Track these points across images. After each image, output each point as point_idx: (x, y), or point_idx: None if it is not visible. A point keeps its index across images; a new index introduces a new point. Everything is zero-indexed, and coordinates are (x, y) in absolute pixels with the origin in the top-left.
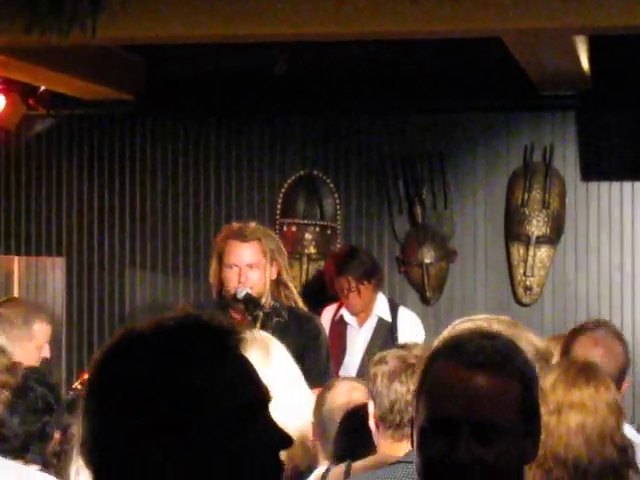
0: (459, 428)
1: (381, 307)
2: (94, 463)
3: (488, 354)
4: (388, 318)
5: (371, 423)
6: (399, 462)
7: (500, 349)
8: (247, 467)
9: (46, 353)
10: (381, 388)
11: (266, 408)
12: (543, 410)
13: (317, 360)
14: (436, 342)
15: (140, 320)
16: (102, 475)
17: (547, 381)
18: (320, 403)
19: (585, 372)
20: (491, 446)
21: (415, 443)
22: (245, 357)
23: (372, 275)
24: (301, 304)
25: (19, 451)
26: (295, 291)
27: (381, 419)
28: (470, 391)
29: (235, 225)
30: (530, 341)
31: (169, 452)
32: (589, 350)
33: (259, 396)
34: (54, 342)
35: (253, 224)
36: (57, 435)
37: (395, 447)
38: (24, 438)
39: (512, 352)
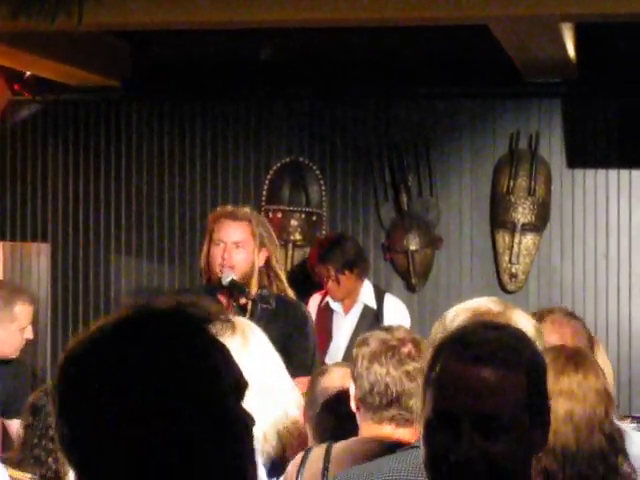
0: (462, 422)
1: (367, 294)
2: (75, 457)
3: (493, 347)
4: (374, 305)
5: (352, 405)
6: (413, 447)
7: (506, 341)
8: (226, 452)
9: (29, 335)
10: (361, 370)
11: (242, 395)
12: None
13: (303, 348)
14: (435, 327)
15: (124, 306)
16: (84, 470)
17: None
18: (313, 387)
19: (574, 359)
20: (495, 440)
21: (421, 435)
22: (221, 343)
23: (353, 265)
24: (291, 294)
25: None
26: (285, 281)
27: (361, 401)
28: (474, 385)
29: (228, 207)
30: (529, 320)
31: (152, 441)
32: (556, 333)
33: (236, 383)
34: (39, 328)
35: (246, 208)
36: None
37: (375, 428)
38: None
39: (519, 344)
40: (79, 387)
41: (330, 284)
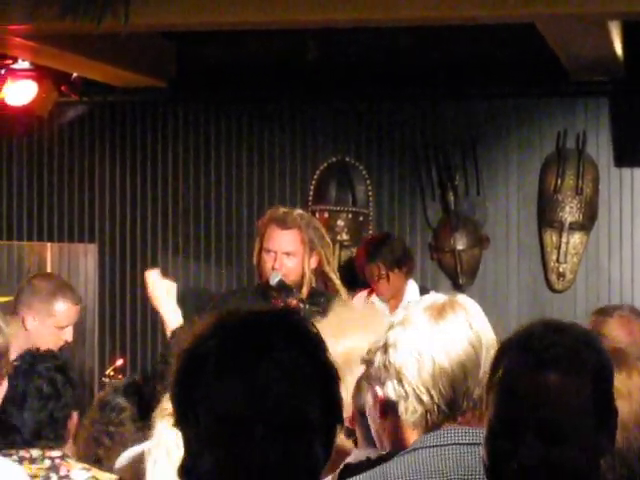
0: (525, 428)
1: (412, 294)
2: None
3: (558, 352)
4: None
5: (367, 411)
6: (410, 451)
7: (571, 345)
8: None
9: (69, 336)
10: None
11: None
12: None
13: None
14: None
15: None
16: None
17: None
18: (358, 391)
19: (615, 359)
20: (558, 446)
21: (484, 437)
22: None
23: (402, 263)
24: (344, 293)
25: (30, 441)
26: (338, 282)
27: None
28: (537, 391)
29: (280, 210)
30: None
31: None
32: (624, 329)
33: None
34: (86, 328)
35: (298, 211)
36: (75, 416)
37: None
38: (33, 427)
39: (585, 347)
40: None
41: (379, 282)
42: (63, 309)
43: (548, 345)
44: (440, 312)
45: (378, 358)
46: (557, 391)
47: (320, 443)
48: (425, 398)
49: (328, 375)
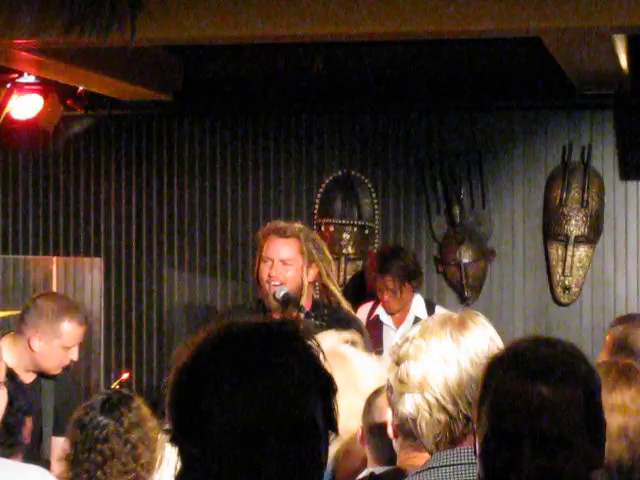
0: (522, 440)
1: (418, 307)
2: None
3: (550, 363)
4: (425, 317)
5: (390, 432)
6: (423, 470)
7: (561, 358)
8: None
9: (74, 356)
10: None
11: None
12: None
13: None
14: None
15: (177, 320)
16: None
17: None
18: (369, 409)
19: (625, 374)
20: (555, 458)
21: (477, 452)
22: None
23: (414, 277)
24: (346, 306)
25: None
26: (339, 294)
27: (399, 427)
28: (533, 403)
29: (280, 222)
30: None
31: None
32: None
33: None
34: (92, 342)
35: (298, 224)
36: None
37: (413, 457)
38: None
39: (574, 360)
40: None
41: (388, 296)
42: (70, 330)
43: (539, 357)
44: (462, 323)
45: (393, 374)
46: (552, 402)
47: (325, 450)
48: (450, 407)
49: (327, 383)
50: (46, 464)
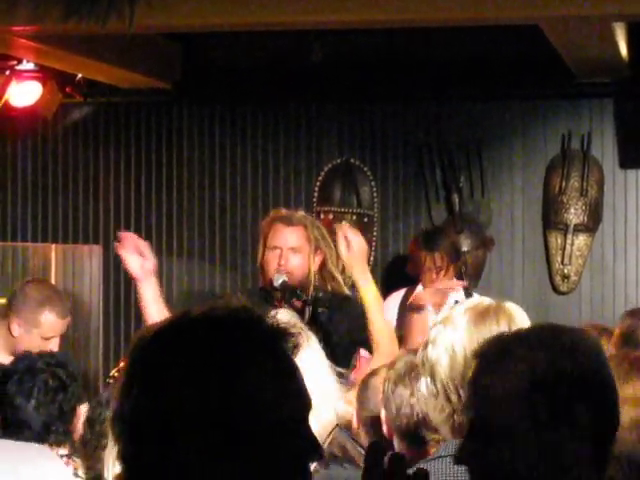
0: (472, 429)
1: (456, 292)
2: (126, 439)
3: (501, 356)
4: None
5: (384, 429)
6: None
7: (516, 351)
8: (277, 477)
9: (54, 347)
10: (388, 392)
11: (307, 419)
12: None
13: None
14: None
15: (176, 307)
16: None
17: None
18: (364, 389)
19: (638, 367)
20: (495, 445)
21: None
22: (296, 365)
23: (459, 258)
24: (348, 292)
25: (42, 436)
26: (341, 281)
27: (392, 423)
28: (479, 393)
29: (282, 210)
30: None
31: (199, 451)
32: None
33: (303, 408)
34: (91, 330)
35: (301, 212)
36: (81, 409)
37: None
38: (43, 421)
39: (529, 352)
40: (151, 373)
41: (437, 276)
42: (49, 321)
43: (495, 349)
44: (482, 314)
45: (419, 355)
46: (492, 390)
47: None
48: (453, 397)
49: (293, 367)
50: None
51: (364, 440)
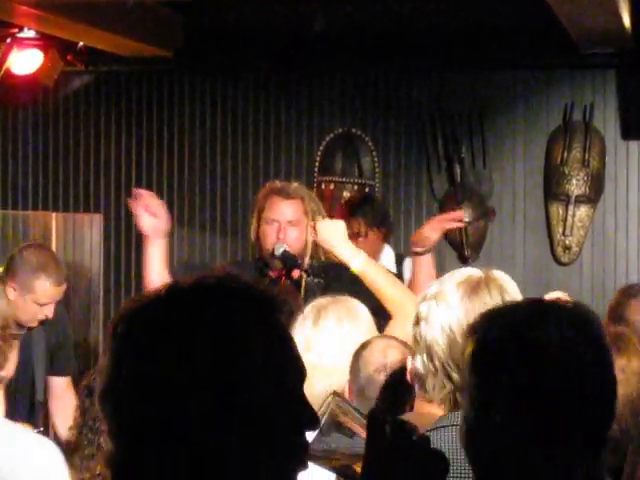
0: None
1: (387, 259)
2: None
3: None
4: (394, 269)
5: (408, 377)
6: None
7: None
8: (274, 447)
9: (49, 313)
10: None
11: (302, 388)
12: None
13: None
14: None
15: (176, 277)
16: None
17: None
18: (356, 362)
19: (616, 344)
20: (480, 415)
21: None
22: (291, 333)
23: (382, 223)
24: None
25: None
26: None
27: (416, 376)
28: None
29: (278, 183)
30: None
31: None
32: None
33: (300, 376)
34: (91, 299)
35: (295, 184)
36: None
37: (427, 405)
38: None
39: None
40: (143, 343)
41: (359, 241)
42: (44, 287)
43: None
44: (474, 288)
45: (412, 331)
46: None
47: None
48: (455, 375)
49: (289, 335)
50: (41, 405)
51: None
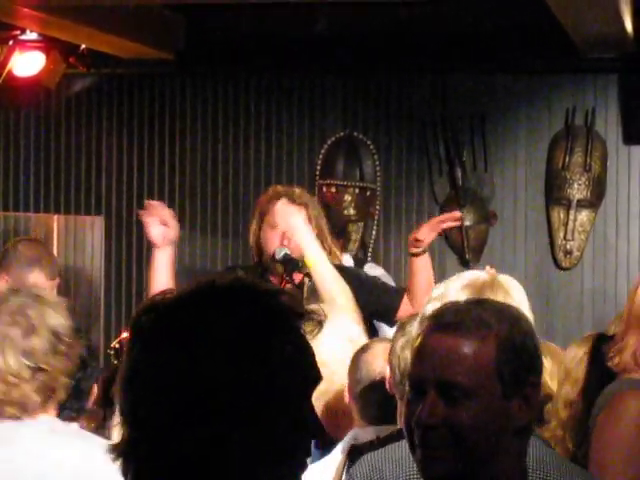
0: (427, 389)
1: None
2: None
3: (463, 318)
4: (390, 282)
5: (387, 387)
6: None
7: (478, 314)
8: (277, 449)
9: None
10: (395, 355)
11: (311, 396)
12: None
13: (382, 289)
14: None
15: (177, 279)
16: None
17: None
18: (355, 365)
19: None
20: (457, 407)
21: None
22: (307, 341)
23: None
24: (345, 265)
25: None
26: (339, 254)
27: (396, 387)
28: (438, 352)
29: (281, 187)
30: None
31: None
32: None
33: (313, 383)
34: (92, 301)
35: (299, 189)
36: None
37: None
38: None
39: (492, 317)
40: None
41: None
42: (36, 281)
43: (456, 313)
44: (479, 292)
45: (414, 328)
46: (455, 353)
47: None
48: None
49: (307, 342)
50: None
51: (355, 414)
